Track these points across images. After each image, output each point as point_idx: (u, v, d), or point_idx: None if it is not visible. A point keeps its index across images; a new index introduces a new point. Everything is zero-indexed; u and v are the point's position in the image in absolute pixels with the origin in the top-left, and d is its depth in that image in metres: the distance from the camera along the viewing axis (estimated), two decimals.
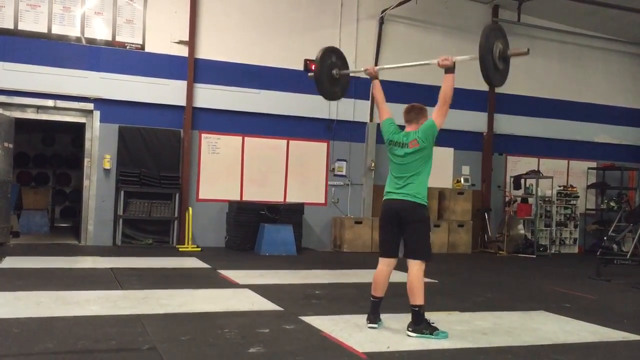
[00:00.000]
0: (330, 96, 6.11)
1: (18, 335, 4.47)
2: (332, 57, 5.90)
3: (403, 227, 5.00)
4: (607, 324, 5.37)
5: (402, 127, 5.25)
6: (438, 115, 4.99)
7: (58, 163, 15.79)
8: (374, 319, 5.09)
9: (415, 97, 12.76)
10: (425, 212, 5.00)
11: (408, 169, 5.01)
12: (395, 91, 12.73)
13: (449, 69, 4.99)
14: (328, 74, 5.83)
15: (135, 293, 6.35)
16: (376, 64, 12.61)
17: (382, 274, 5.09)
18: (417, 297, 4.81)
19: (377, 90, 5.51)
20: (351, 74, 6.28)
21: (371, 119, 12.59)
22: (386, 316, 5.37)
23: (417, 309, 4.81)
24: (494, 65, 4.84)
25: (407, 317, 5.07)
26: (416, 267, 4.87)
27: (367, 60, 12.61)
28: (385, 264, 5.10)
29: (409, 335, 4.79)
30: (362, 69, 5.76)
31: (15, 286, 6.44)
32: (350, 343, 4.53)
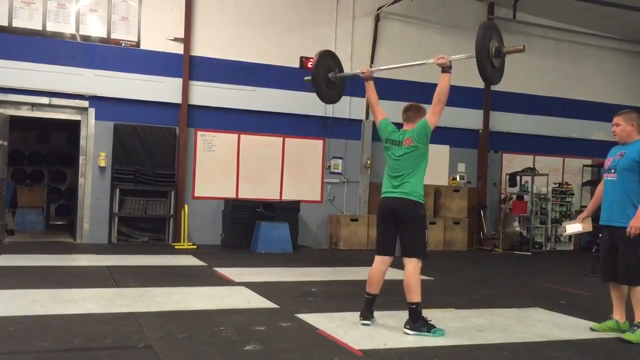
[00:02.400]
0: (327, 99, 6.14)
1: (13, 333, 4.46)
2: (328, 60, 5.91)
3: (399, 225, 5.00)
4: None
5: (399, 125, 5.26)
6: (432, 114, 5.01)
7: (53, 161, 15.73)
8: (367, 315, 5.09)
9: (410, 95, 12.85)
10: (422, 210, 5.00)
11: (403, 167, 5.02)
12: (390, 89, 12.78)
13: (446, 68, 5.02)
14: (325, 77, 5.84)
15: (131, 291, 6.34)
16: (372, 62, 12.63)
17: (377, 272, 5.09)
18: (414, 295, 4.81)
19: (370, 91, 5.55)
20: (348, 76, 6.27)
21: (367, 117, 12.58)
22: (382, 313, 5.38)
23: (414, 306, 4.81)
24: (491, 63, 4.85)
25: (403, 315, 5.08)
26: (412, 264, 4.87)
27: (363, 57, 12.62)
28: (380, 261, 5.11)
29: (406, 333, 4.79)
30: (358, 72, 5.76)
31: (10, 284, 6.42)
32: (346, 340, 4.54)
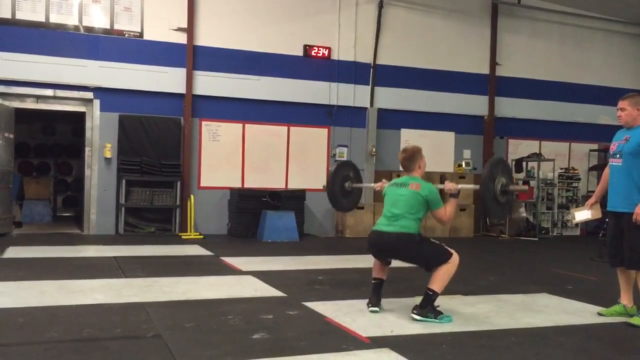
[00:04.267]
0: (342, 209, 6.46)
1: (23, 324, 4.49)
2: (346, 169, 6.23)
3: (401, 257, 5.06)
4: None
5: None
6: (439, 215, 4.98)
7: (59, 152, 15.79)
8: (375, 302, 5.11)
9: (414, 81, 12.83)
10: (417, 237, 4.92)
11: (404, 205, 4.95)
12: (395, 75, 12.75)
13: (454, 195, 5.09)
14: (341, 186, 6.10)
15: (139, 281, 6.37)
16: (375, 49, 12.59)
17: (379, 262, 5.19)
18: (437, 284, 4.81)
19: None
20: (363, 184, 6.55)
21: (371, 104, 12.54)
22: (389, 300, 5.40)
23: (430, 293, 4.81)
24: (495, 200, 4.90)
25: (410, 302, 5.10)
26: (451, 262, 4.86)
27: (366, 45, 12.58)
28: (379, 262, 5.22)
29: (413, 318, 4.81)
30: (372, 185, 6.00)
31: (19, 276, 6.46)
32: (354, 328, 4.55)
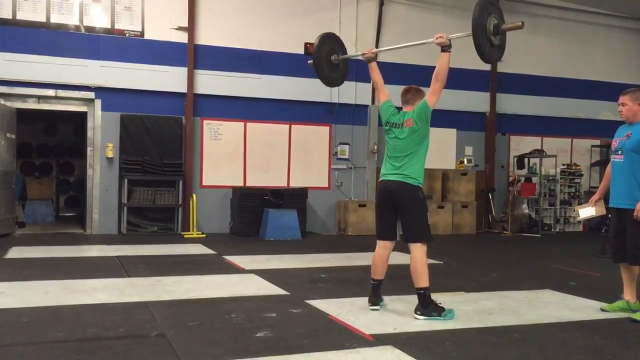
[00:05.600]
0: (330, 82, 6.09)
1: (27, 324, 4.50)
2: (330, 43, 5.88)
3: (399, 210, 4.97)
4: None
5: (399, 109, 5.23)
6: (431, 94, 4.96)
7: (61, 153, 15.80)
8: (375, 301, 5.11)
9: (413, 78, 12.70)
10: (420, 193, 4.95)
11: (403, 149, 4.98)
12: (394, 73, 12.71)
13: (445, 47, 4.98)
14: (327, 59, 5.81)
15: (142, 280, 6.38)
16: (377, 46, 12.54)
17: (380, 258, 5.09)
18: (422, 280, 4.80)
19: (374, 73, 5.52)
20: (351, 58, 6.23)
21: (373, 102, 12.54)
22: (391, 298, 5.41)
23: (422, 291, 4.80)
24: (489, 41, 4.77)
25: (412, 299, 5.10)
26: (418, 249, 4.84)
27: (367, 42, 12.53)
28: (382, 247, 5.10)
29: (416, 319, 4.80)
30: (360, 53, 5.71)
31: (22, 276, 6.48)
32: (357, 325, 4.56)
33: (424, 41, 5.18)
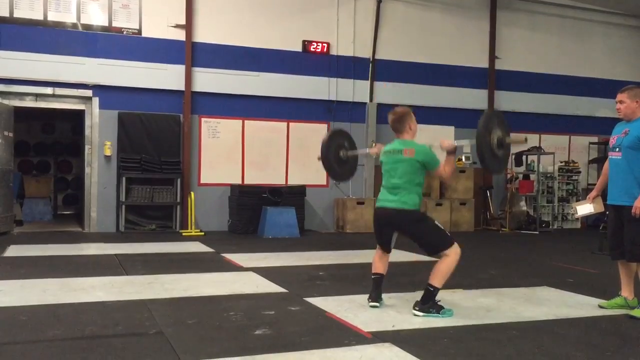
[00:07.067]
0: (337, 177, 6.35)
1: (25, 322, 4.50)
2: (339, 139, 6.07)
3: (405, 235, 5.02)
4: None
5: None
6: (441, 172, 4.96)
7: (59, 151, 15.79)
8: (375, 297, 5.11)
9: (413, 75, 12.81)
10: (418, 214, 4.93)
11: (402, 174, 4.93)
12: (394, 70, 12.73)
13: (451, 152, 5.01)
14: (335, 155, 5.98)
15: (140, 278, 6.38)
16: (374, 44, 12.57)
17: (380, 258, 5.18)
18: (437, 279, 4.81)
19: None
20: (359, 153, 6.36)
21: (371, 99, 12.53)
22: (391, 295, 5.41)
23: (431, 289, 4.81)
24: (492, 153, 4.83)
25: (411, 297, 5.11)
26: (452, 253, 4.83)
27: (365, 40, 12.55)
28: (380, 254, 5.19)
29: (415, 315, 4.81)
30: (367, 150, 5.93)
31: (20, 274, 6.48)
32: (356, 323, 4.56)
33: (432, 144, 5.10)
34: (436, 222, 4.99)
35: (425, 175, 5.00)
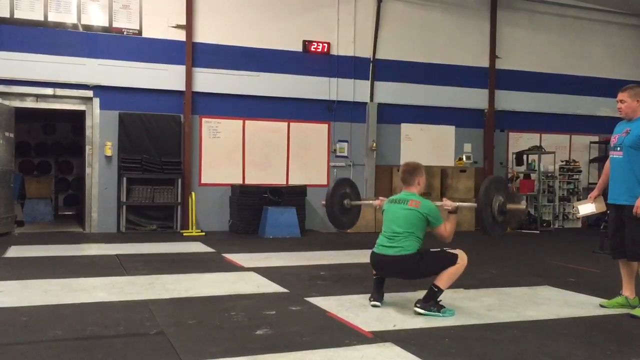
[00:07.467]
0: (341, 227, 6.43)
1: (26, 323, 4.50)
2: (344, 187, 6.21)
3: (404, 277, 5.16)
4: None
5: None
6: (442, 232, 4.96)
7: (59, 151, 15.79)
8: (377, 297, 5.13)
9: (414, 75, 12.80)
10: (418, 254, 4.88)
11: (404, 223, 4.92)
12: (394, 70, 12.73)
13: (453, 211, 5.10)
14: (339, 204, 6.12)
15: (141, 279, 6.38)
16: (375, 44, 12.57)
17: None
18: (443, 281, 4.82)
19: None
20: (362, 203, 6.46)
21: (371, 99, 12.53)
22: (391, 295, 5.41)
23: (435, 289, 4.82)
24: (493, 218, 4.93)
25: (412, 296, 5.11)
26: (460, 262, 4.86)
27: (366, 39, 12.55)
28: None
29: (416, 312, 4.81)
30: (372, 202, 5.97)
31: (22, 275, 6.48)
32: (357, 322, 4.56)
33: (439, 203, 5.15)
34: (433, 250, 4.94)
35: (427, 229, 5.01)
